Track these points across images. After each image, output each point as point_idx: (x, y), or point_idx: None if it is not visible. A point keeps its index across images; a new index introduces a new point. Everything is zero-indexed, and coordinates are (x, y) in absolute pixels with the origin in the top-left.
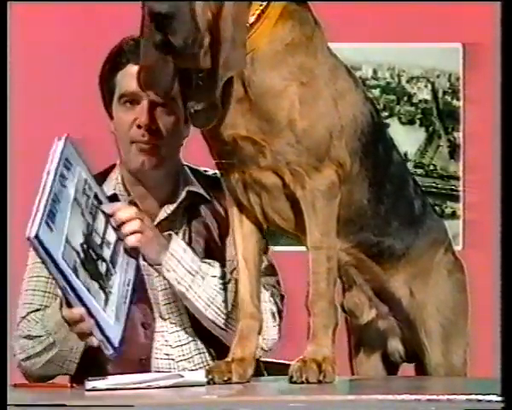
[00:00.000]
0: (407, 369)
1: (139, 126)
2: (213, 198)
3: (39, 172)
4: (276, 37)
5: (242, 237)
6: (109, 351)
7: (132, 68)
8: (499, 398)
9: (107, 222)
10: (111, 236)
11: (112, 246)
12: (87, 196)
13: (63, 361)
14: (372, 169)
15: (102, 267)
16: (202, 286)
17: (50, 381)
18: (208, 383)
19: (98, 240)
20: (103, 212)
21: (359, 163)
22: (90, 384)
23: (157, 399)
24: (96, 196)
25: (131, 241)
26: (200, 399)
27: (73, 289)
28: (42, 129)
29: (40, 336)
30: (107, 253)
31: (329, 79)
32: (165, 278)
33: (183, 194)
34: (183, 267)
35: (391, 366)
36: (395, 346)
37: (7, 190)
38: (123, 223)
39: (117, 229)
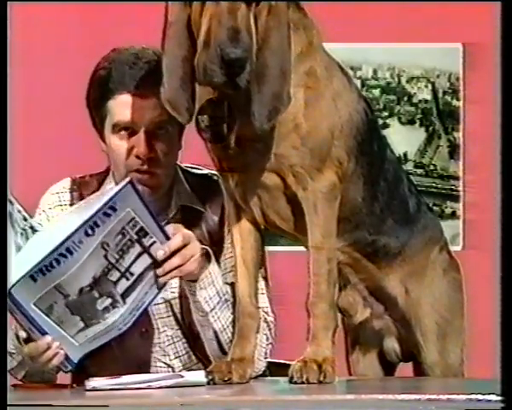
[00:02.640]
0: (405, 370)
1: (138, 157)
2: (206, 207)
3: (39, 171)
4: None
5: (240, 237)
6: (66, 369)
7: (124, 97)
8: (499, 398)
9: (143, 253)
10: (138, 267)
11: (134, 277)
12: (123, 234)
13: (41, 374)
14: (367, 167)
15: (104, 303)
16: (223, 309)
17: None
18: (208, 383)
19: (115, 276)
20: (141, 243)
21: (355, 161)
22: (90, 384)
23: (157, 399)
24: (140, 230)
25: (190, 267)
26: (200, 399)
27: (32, 321)
28: (42, 129)
29: (12, 353)
30: (121, 287)
31: (327, 79)
32: (193, 295)
33: (174, 209)
34: (214, 287)
35: (388, 366)
36: (391, 345)
37: (7, 189)
38: (178, 250)
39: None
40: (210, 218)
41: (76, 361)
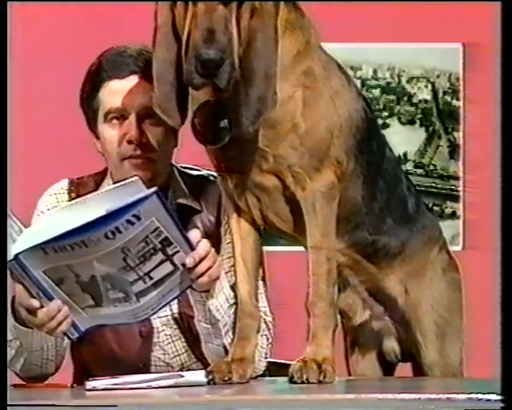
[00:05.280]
0: (405, 371)
1: (130, 142)
2: (203, 206)
3: (38, 170)
4: (284, 50)
5: (240, 237)
6: (73, 335)
7: (114, 84)
8: (499, 398)
9: (165, 261)
10: (158, 273)
11: (152, 281)
12: (146, 243)
13: (40, 362)
14: (366, 166)
15: (115, 294)
16: (230, 313)
17: (50, 381)
18: (208, 383)
19: (132, 277)
20: (164, 252)
21: (354, 160)
22: (90, 384)
23: (157, 399)
24: (165, 239)
25: (215, 273)
26: (200, 399)
27: (40, 287)
28: (42, 128)
29: (11, 341)
30: (137, 287)
31: (325, 78)
32: (202, 305)
33: (170, 208)
34: (224, 294)
35: (387, 366)
36: (390, 346)
37: (7, 190)
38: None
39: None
40: (206, 218)
41: (83, 330)
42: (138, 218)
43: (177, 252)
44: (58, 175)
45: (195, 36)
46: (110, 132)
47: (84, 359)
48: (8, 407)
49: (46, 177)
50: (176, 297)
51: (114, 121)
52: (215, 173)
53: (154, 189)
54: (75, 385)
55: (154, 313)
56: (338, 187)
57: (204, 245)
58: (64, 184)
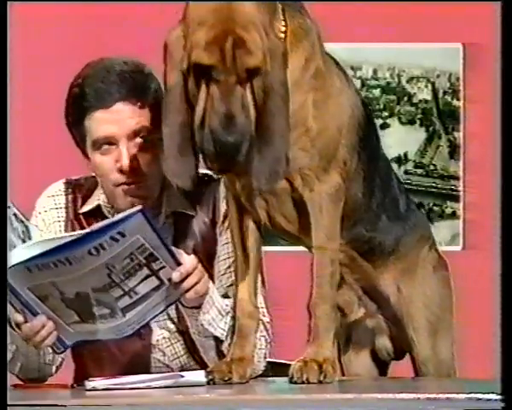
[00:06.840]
0: (405, 370)
1: (121, 171)
2: (197, 209)
3: (38, 170)
4: (293, 65)
5: (241, 237)
6: (59, 350)
7: (99, 114)
8: (499, 397)
9: (150, 276)
10: (143, 288)
11: (138, 296)
12: (131, 259)
13: (38, 366)
14: (367, 162)
15: (101, 311)
16: (224, 322)
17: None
18: (208, 383)
19: (118, 293)
20: (149, 267)
21: (357, 157)
22: (90, 384)
23: (157, 399)
24: (150, 255)
25: (202, 289)
26: (200, 399)
27: (25, 303)
28: (42, 128)
29: (8, 344)
30: (123, 303)
31: (330, 77)
32: (195, 320)
33: (165, 215)
34: (216, 308)
35: (381, 365)
36: (383, 343)
37: (7, 190)
38: (189, 274)
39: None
40: (202, 220)
41: (69, 344)
42: (123, 235)
43: (163, 267)
44: (59, 174)
45: (213, 120)
46: (100, 160)
47: (84, 360)
48: (8, 407)
49: (47, 176)
50: (162, 312)
51: (104, 147)
52: (208, 172)
53: (139, 207)
54: (75, 385)
55: (139, 328)
56: (343, 188)
57: (191, 260)
58: (60, 185)
